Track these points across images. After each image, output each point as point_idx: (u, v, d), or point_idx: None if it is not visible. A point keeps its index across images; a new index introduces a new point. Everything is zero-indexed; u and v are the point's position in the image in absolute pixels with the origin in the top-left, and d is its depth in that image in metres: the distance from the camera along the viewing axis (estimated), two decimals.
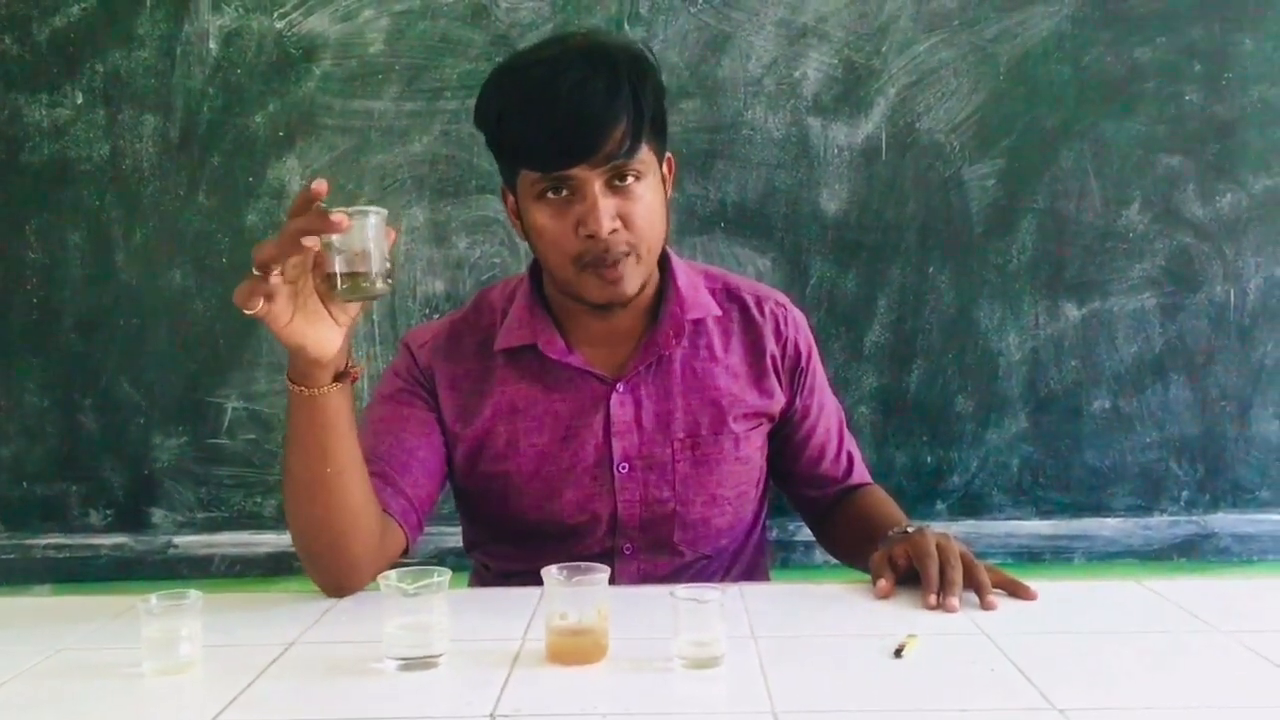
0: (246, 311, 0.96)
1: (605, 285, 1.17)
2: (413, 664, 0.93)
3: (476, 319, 1.30)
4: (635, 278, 1.18)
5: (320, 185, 0.94)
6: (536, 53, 1.18)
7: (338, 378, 1.05)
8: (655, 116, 1.17)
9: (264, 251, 0.95)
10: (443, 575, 0.94)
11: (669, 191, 1.25)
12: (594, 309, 1.21)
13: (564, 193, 1.14)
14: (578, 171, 1.12)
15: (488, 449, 1.26)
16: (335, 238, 0.97)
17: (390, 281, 1.00)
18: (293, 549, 1.15)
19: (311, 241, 0.94)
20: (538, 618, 1.05)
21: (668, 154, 1.24)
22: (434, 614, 0.94)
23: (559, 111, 1.10)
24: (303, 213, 0.95)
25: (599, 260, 1.15)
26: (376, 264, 0.98)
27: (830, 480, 1.37)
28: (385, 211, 0.99)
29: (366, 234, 0.98)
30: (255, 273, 0.96)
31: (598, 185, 1.13)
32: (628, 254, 1.16)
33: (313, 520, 1.09)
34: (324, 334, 1.01)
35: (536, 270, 1.28)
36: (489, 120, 1.17)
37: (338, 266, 0.98)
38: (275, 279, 0.96)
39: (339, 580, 1.13)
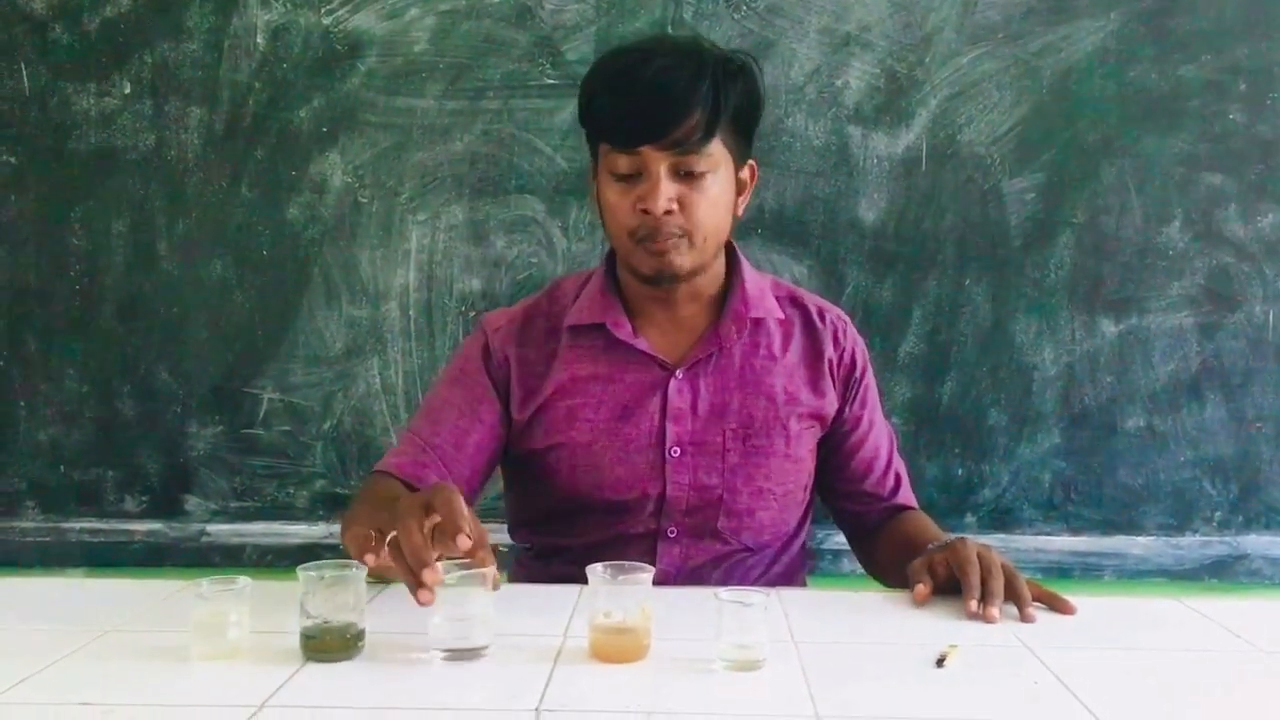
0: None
1: (652, 257, 1.21)
2: (457, 655, 0.93)
3: (549, 305, 1.34)
4: (684, 257, 1.22)
5: (433, 578, 0.91)
6: (639, 43, 1.25)
7: None
8: (738, 118, 1.21)
9: (371, 557, 0.95)
10: (489, 569, 0.94)
11: (746, 197, 1.28)
12: (648, 284, 1.25)
13: (633, 171, 1.19)
14: (646, 151, 1.17)
15: (546, 421, 1.29)
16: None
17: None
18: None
19: (427, 599, 0.91)
20: (578, 615, 1.05)
21: (751, 160, 1.27)
22: (476, 606, 0.94)
23: (639, 91, 1.17)
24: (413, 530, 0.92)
25: (650, 236, 1.20)
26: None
27: (875, 497, 1.37)
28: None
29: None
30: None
31: (663, 168, 1.18)
32: (679, 236, 1.20)
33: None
34: None
35: (612, 257, 1.31)
36: (582, 98, 1.23)
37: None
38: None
39: None
